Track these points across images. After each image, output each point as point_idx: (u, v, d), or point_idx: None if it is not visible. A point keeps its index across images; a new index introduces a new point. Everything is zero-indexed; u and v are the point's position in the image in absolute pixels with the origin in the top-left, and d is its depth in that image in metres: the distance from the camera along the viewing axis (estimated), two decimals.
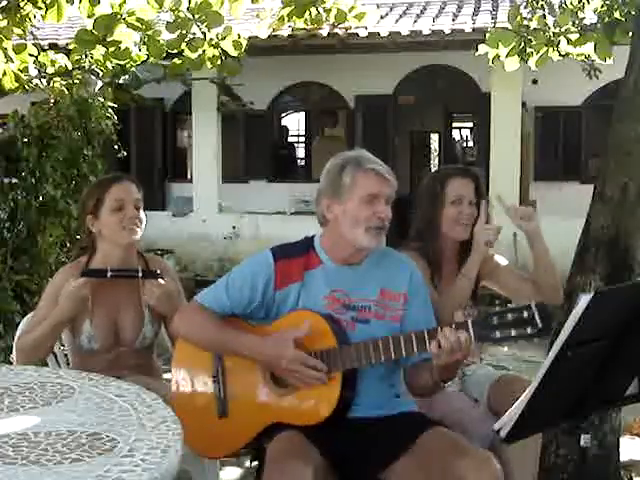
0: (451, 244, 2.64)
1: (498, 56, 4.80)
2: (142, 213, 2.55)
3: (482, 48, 4.89)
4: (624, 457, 3.33)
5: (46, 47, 6.20)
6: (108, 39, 5.30)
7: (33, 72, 5.54)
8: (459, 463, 1.89)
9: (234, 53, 5.88)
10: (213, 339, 2.16)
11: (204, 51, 5.73)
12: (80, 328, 2.49)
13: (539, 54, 4.69)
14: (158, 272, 2.54)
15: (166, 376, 2.51)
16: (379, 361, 2.02)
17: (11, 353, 2.59)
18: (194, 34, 5.68)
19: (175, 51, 5.74)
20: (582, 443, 1.86)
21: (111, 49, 5.34)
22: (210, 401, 2.18)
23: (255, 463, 2.20)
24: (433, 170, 2.81)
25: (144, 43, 5.47)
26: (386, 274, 2.17)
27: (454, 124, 12.41)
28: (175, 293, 2.54)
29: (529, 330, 1.84)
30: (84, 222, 2.55)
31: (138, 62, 5.51)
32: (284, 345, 2.03)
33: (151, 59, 5.57)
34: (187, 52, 5.67)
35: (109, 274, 2.47)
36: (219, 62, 5.96)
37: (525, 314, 1.85)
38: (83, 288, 2.40)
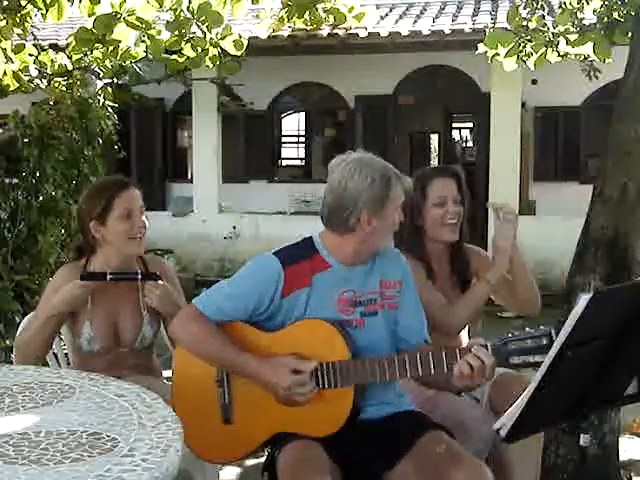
0: (440, 247, 2.63)
1: (497, 54, 4.80)
2: (145, 219, 2.55)
3: (481, 47, 4.89)
4: (624, 457, 3.33)
5: (46, 47, 6.19)
6: (107, 38, 5.30)
7: (33, 72, 5.55)
8: (454, 473, 1.90)
9: (236, 52, 5.89)
10: (212, 355, 2.12)
11: (203, 50, 5.73)
12: (80, 330, 2.49)
13: (538, 54, 4.69)
14: (157, 274, 2.52)
15: (166, 374, 2.51)
16: (394, 378, 2.02)
17: (12, 353, 2.59)
18: (194, 33, 5.69)
19: (175, 49, 5.75)
20: (582, 443, 1.86)
21: (110, 48, 5.35)
22: (214, 406, 2.14)
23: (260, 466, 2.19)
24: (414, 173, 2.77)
25: (142, 41, 5.47)
26: (383, 265, 2.20)
27: (454, 124, 12.42)
28: (175, 294, 2.53)
29: None
30: (86, 226, 2.51)
31: (137, 58, 5.51)
32: (281, 374, 2.01)
33: (151, 56, 5.58)
34: (187, 50, 5.68)
35: (108, 277, 2.45)
36: (219, 61, 5.96)
37: (544, 341, 1.87)
38: (78, 288, 2.40)
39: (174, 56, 5.79)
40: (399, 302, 2.19)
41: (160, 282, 2.50)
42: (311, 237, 2.19)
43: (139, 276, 2.50)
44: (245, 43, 5.99)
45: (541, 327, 1.90)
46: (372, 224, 2.08)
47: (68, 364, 2.62)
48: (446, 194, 2.57)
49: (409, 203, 2.58)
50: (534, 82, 9.07)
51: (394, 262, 2.23)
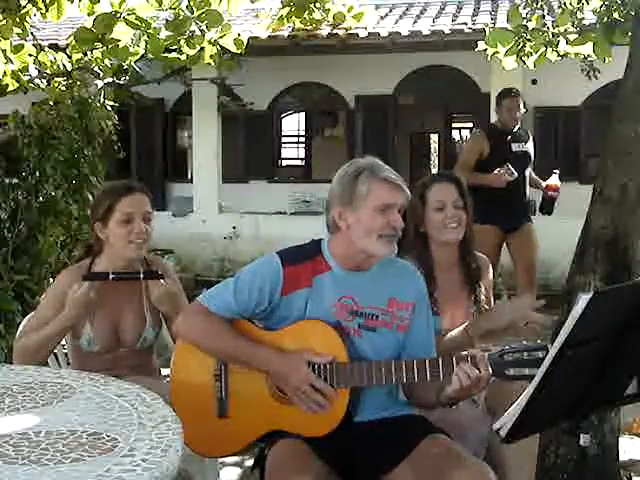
0: (448, 250, 2.63)
1: (497, 53, 4.81)
2: (151, 224, 2.53)
3: (481, 45, 4.89)
4: (624, 457, 3.33)
5: (46, 48, 6.19)
6: (107, 37, 5.30)
7: (33, 72, 5.55)
8: (456, 474, 1.89)
9: (236, 50, 5.89)
10: (222, 348, 2.12)
11: (202, 48, 5.74)
12: (80, 330, 2.49)
13: (538, 54, 4.69)
14: (159, 272, 2.52)
15: (165, 373, 2.50)
16: (390, 383, 2.02)
17: (12, 353, 2.58)
18: (193, 31, 5.69)
19: (173, 47, 5.75)
20: (582, 443, 1.86)
21: (110, 47, 5.35)
22: (210, 400, 2.15)
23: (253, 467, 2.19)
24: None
25: (139, 38, 5.47)
26: (395, 283, 2.16)
27: (454, 124, 12.41)
28: (177, 293, 2.53)
29: None
30: (92, 227, 2.54)
31: (136, 57, 5.51)
32: (298, 363, 2.02)
33: (150, 55, 5.58)
34: (185, 48, 5.68)
35: (111, 277, 2.45)
36: (217, 59, 5.97)
37: (540, 354, 1.90)
38: (90, 292, 2.38)
39: (173, 54, 5.80)
40: (409, 325, 2.16)
41: (162, 281, 2.50)
42: (321, 240, 2.19)
43: (141, 275, 2.50)
44: (245, 42, 6.00)
45: (538, 341, 1.95)
46: (346, 220, 2.08)
47: (68, 364, 2.62)
48: (445, 198, 2.59)
49: (410, 210, 2.59)
50: (534, 82, 9.06)
51: (409, 281, 2.19)
